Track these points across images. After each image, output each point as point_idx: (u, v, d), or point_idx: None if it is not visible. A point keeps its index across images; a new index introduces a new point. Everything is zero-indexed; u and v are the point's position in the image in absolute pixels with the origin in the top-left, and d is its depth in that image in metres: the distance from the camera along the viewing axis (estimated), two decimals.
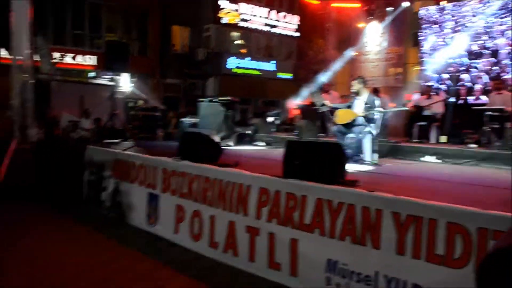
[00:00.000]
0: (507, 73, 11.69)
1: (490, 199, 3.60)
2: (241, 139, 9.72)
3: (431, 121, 9.46)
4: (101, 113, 11.05)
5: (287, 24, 24.38)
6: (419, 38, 14.39)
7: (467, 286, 2.59)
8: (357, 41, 18.47)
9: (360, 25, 18.45)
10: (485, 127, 7.96)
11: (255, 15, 23.01)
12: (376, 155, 6.67)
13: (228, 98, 10.25)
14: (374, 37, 18.26)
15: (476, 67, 12.53)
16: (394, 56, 18.45)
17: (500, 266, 1.56)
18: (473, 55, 12.65)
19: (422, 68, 14.17)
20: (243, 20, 22.50)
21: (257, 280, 3.82)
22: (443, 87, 12.84)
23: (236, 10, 22.17)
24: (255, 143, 9.95)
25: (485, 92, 11.57)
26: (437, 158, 7.25)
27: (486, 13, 12.34)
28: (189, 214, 4.70)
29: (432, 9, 14.06)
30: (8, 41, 7.89)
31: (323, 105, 8.77)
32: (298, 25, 24.50)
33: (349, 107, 6.86)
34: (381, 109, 6.84)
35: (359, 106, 6.70)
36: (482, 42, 12.48)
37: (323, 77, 17.40)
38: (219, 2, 21.48)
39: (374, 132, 6.63)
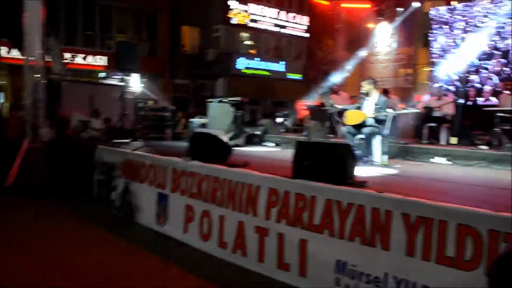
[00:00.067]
0: None
1: (501, 201, 3.56)
2: (250, 140, 9.71)
3: (441, 122, 9.38)
4: (111, 113, 11.14)
5: (297, 25, 24.33)
6: (429, 39, 14.26)
7: None
8: (367, 42, 18.42)
9: (370, 25, 18.40)
10: (496, 128, 7.89)
11: (264, 16, 23.01)
12: (386, 157, 6.63)
13: (238, 98, 10.24)
14: (384, 37, 18.21)
15: (486, 68, 12.42)
16: (404, 57, 18.38)
17: (511, 268, 1.56)
18: (484, 55, 12.54)
19: (432, 69, 14.07)
20: (252, 20, 22.50)
21: (266, 281, 3.83)
22: (452, 88, 12.74)
23: (246, 11, 22.18)
24: (264, 143, 9.94)
25: (494, 93, 11.47)
26: (447, 160, 7.19)
27: (498, 13, 12.22)
28: (199, 214, 4.72)
29: (443, 9, 13.94)
30: (21, 41, 7.99)
31: (332, 106, 8.75)
32: (308, 25, 24.45)
33: (358, 108, 6.83)
34: (391, 111, 6.81)
35: (368, 107, 6.67)
36: (493, 42, 12.37)
37: (333, 78, 17.37)
38: (228, 3, 21.52)
39: (384, 133, 6.60)
